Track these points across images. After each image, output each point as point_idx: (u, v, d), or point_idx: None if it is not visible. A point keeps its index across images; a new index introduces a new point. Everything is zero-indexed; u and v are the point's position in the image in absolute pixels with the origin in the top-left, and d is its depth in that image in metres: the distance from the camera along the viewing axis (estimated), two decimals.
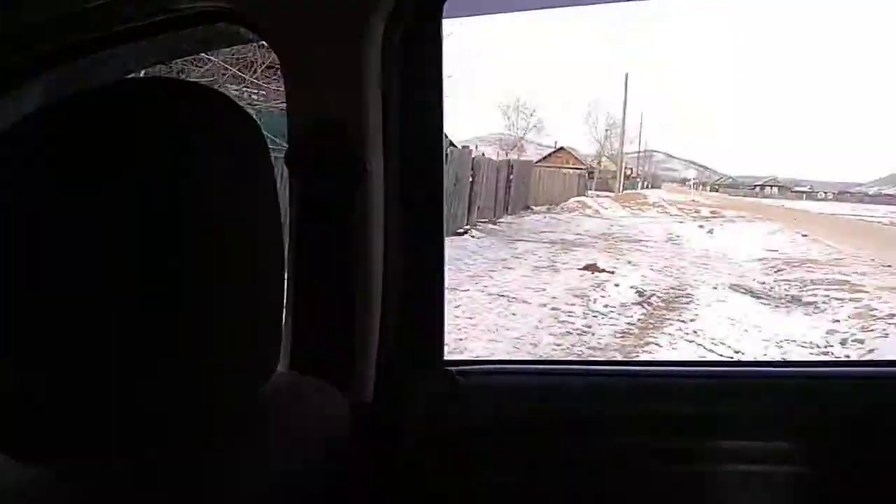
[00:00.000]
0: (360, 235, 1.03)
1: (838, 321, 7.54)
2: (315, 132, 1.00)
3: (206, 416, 0.59)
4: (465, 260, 10.99)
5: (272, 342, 0.67)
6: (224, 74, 6.88)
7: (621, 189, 34.91)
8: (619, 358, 5.06)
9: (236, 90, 7.20)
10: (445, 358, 1.18)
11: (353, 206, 1.01)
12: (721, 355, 6.10)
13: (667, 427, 1.18)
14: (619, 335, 6.69)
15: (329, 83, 1.01)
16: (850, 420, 1.18)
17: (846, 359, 5.07)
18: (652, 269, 10.58)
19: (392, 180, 1.05)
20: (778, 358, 5.92)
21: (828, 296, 8.79)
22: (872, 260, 12.32)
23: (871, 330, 7.07)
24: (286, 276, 1.01)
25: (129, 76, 1.36)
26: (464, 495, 1.14)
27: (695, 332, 6.82)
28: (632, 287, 8.96)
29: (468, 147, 17.96)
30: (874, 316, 7.56)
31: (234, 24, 1.10)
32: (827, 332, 7.10)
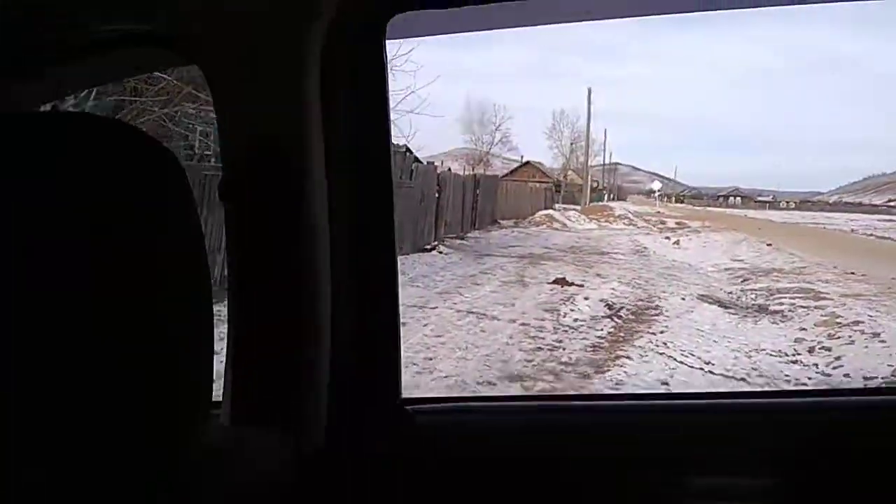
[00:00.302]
0: (305, 266, 0.95)
1: (805, 329, 7.60)
2: (251, 159, 0.92)
3: (116, 490, 0.52)
4: (433, 277, 10.88)
5: (201, 395, 0.58)
6: (179, 93, 6.71)
7: (588, 202, 35.25)
8: (584, 392, 5.00)
9: (193, 108, 7.03)
10: (402, 396, 1.11)
11: (297, 234, 0.93)
12: (692, 367, 6.07)
13: (631, 466, 1.13)
14: (589, 349, 6.62)
15: (265, 106, 0.94)
16: (823, 451, 1.14)
17: (813, 388, 5.09)
18: (620, 282, 10.59)
19: (339, 205, 0.97)
20: (744, 388, 5.89)
21: (794, 304, 8.88)
22: (835, 267, 12.54)
23: (838, 337, 7.14)
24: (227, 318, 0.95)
25: (44, 107, 1.28)
26: None
27: (665, 343, 6.79)
28: (601, 300, 8.94)
29: (433, 163, 17.95)
30: (839, 323, 7.64)
31: (158, 48, 1.01)
32: (794, 341, 7.14)
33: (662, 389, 5.39)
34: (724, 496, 1.12)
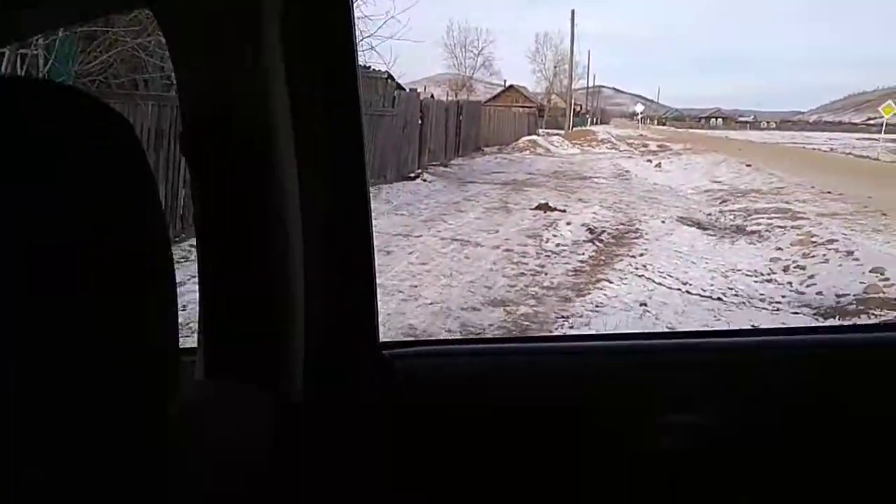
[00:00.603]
0: (274, 215, 0.93)
1: (781, 249, 7.78)
2: (213, 114, 0.90)
3: (91, 444, 0.52)
4: (417, 205, 10.91)
5: (170, 352, 0.59)
6: (153, 23, 6.48)
7: (571, 126, 34.92)
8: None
9: None
10: (381, 341, 1.11)
11: (263, 182, 0.91)
12: (670, 287, 6.24)
13: (607, 405, 1.15)
14: (571, 273, 6.77)
15: (224, 53, 0.90)
16: (799, 388, 1.16)
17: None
18: (602, 206, 10.69)
19: (307, 149, 0.95)
20: (719, 307, 6.08)
21: (771, 224, 9.06)
22: (813, 187, 12.72)
23: (812, 256, 7.33)
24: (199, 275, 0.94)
25: None
26: (405, 482, 1.09)
27: (644, 266, 6.95)
28: (583, 225, 9.06)
29: (416, 90, 17.62)
30: (815, 242, 7.82)
31: None
32: (770, 260, 7.33)
33: (641, 311, 5.57)
34: (706, 436, 1.14)
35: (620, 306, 5.70)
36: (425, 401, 1.13)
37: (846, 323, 5.29)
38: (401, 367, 1.12)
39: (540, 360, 1.23)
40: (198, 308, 0.95)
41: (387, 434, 1.08)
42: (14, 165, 0.48)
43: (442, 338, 3.75)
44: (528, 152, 22.37)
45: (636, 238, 8.45)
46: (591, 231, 8.75)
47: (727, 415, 1.15)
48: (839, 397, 1.16)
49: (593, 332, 4.88)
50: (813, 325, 5.23)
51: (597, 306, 5.69)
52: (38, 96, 0.54)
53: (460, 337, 4.66)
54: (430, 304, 5.59)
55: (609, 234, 8.70)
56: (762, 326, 4.91)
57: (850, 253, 7.21)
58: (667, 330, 4.85)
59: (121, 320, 0.53)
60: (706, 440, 1.14)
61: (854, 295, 5.99)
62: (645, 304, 5.70)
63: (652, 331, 4.80)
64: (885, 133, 30.54)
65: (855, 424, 1.13)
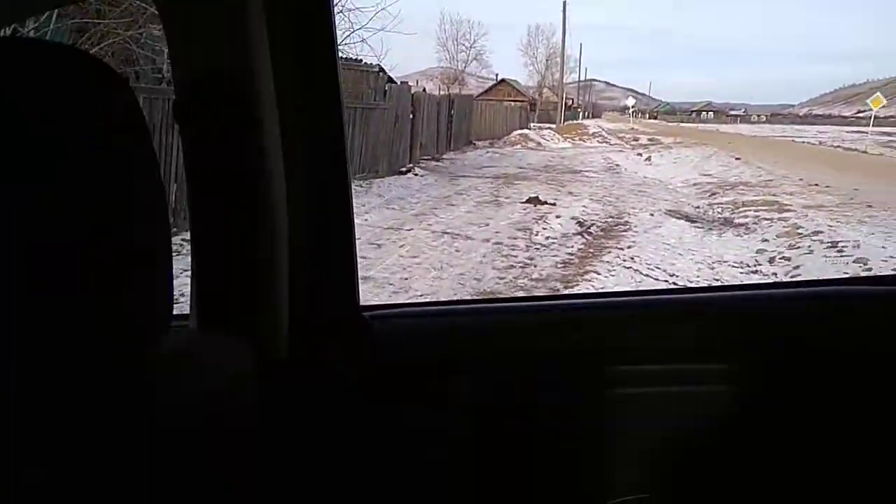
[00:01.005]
0: (260, 185, 1.00)
1: (767, 240, 7.88)
2: (202, 80, 0.96)
3: (94, 371, 0.59)
4: (409, 199, 10.95)
5: (161, 296, 0.65)
6: (143, 14, 6.50)
7: (563, 120, 34.97)
8: (543, 293, 5.18)
9: (159, 30, 6.83)
10: (361, 304, 1.17)
11: (250, 152, 0.98)
12: (657, 279, 6.33)
13: (584, 357, 1.23)
14: (560, 265, 6.85)
15: (212, 30, 0.96)
16: (771, 339, 1.25)
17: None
18: (592, 200, 10.77)
19: (289, 125, 1.02)
20: (701, 283, 6.17)
21: (758, 216, 9.16)
22: (800, 179, 12.83)
23: (798, 247, 7.43)
24: (191, 235, 1.01)
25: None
26: (388, 438, 1.16)
27: (632, 258, 7.03)
28: (573, 218, 9.13)
29: (407, 83, 17.63)
30: (800, 234, 7.93)
31: None
32: (756, 252, 7.43)
33: None
34: (676, 381, 1.24)
35: None
36: (403, 359, 1.20)
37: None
38: (380, 328, 1.18)
39: (515, 317, 1.30)
40: (190, 265, 1.01)
41: (366, 390, 1.15)
42: (15, 127, 0.51)
43: (420, 300, 3.82)
44: (519, 146, 22.43)
45: (625, 231, 8.54)
46: (580, 224, 8.83)
47: (691, 361, 1.25)
48: (805, 343, 1.26)
49: (564, 293, 4.95)
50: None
51: None
52: (36, 55, 0.56)
53: (437, 300, 4.71)
54: (421, 295, 5.64)
55: (598, 226, 8.77)
56: None
57: (834, 244, 7.32)
58: (636, 289, 4.94)
59: (116, 267, 0.58)
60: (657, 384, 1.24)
61: None
62: None
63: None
64: (874, 126, 30.80)
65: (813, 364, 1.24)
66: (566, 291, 5.32)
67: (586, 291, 4.78)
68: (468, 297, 4.75)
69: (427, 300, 4.59)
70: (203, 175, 0.99)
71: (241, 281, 1.01)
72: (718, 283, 6.16)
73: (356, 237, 1.14)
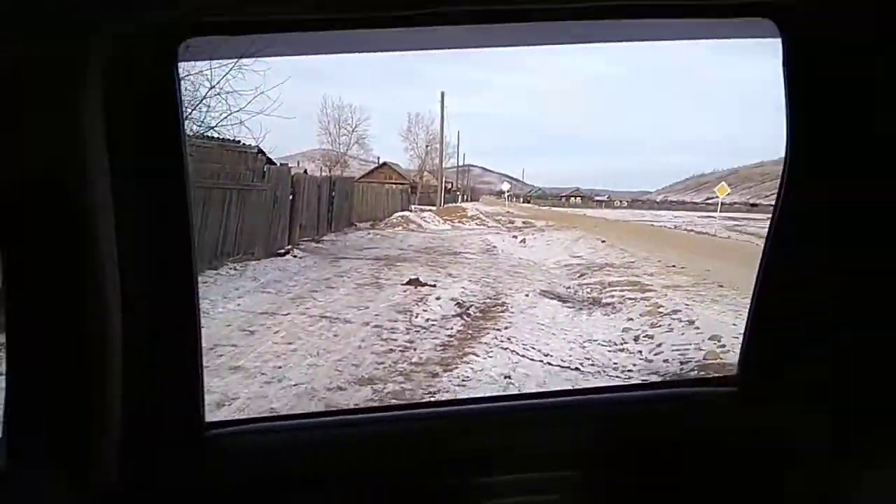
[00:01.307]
0: (89, 283, 0.90)
1: (632, 319, 8.35)
2: (27, 185, 0.87)
3: None
4: (286, 282, 10.70)
5: None
6: None
7: (442, 203, 35.98)
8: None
9: None
10: (207, 420, 1.09)
11: (81, 260, 0.89)
12: (532, 359, 6.49)
13: (432, 470, 1.20)
14: (439, 348, 6.86)
15: (41, 126, 0.88)
16: (630, 443, 1.27)
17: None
18: (471, 281, 11.01)
19: (128, 228, 0.94)
20: (577, 377, 6.39)
21: (623, 296, 9.71)
22: (659, 261, 13.83)
23: (659, 326, 7.92)
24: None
25: None
26: None
27: (508, 339, 7.19)
28: (452, 299, 9.26)
29: (286, 164, 17.55)
30: (661, 312, 8.47)
31: None
32: (623, 331, 7.83)
33: (505, 383, 5.73)
34: (524, 490, 1.22)
35: (486, 379, 5.83)
36: (250, 478, 1.11)
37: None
38: (226, 446, 1.10)
39: (359, 431, 1.25)
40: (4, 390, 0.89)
41: None
42: None
43: (268, 415, 3.65)
44: (400, 228, 22.72)
45: (502, 312, 8.75)
46: (459, 305, 8.96)
47: (535, 469, 1.24)
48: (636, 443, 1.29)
49: (412, 402, 4.94)
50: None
51: (463, 380, 5.79)
52: None
53: (288, 413, 4.54)
54: (295, 385, 5.42)
55: (477, 307, 8.94)
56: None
57: (691, 322, 7.86)
58: (501, 394, 5.05)
59: None
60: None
61: (696, 361, 6.51)
62: (509, 377, 5.87)
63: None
64: (721, 211, 34.12)
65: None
66: (420, 400, 5.30)
67: (441, 399, 4.83)
68: (327, 409, 4.61)
69: (286, 413, 4.39)
70: (23, 283, 0.89)
71: (64, 400, 0.90)
72: (582, 377, 6.40)
73: (202, 344, 1.06)
